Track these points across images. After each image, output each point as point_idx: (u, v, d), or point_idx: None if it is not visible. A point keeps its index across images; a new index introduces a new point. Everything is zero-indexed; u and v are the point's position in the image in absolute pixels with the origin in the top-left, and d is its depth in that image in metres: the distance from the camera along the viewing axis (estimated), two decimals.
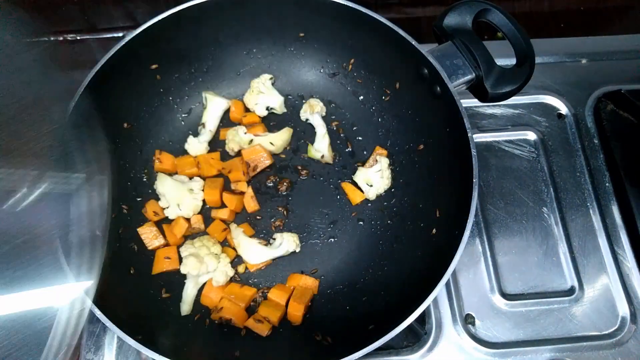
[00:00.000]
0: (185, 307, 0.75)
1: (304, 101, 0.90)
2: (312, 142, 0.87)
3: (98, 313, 0.59)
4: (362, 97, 0.89)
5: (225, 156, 0.87)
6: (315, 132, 0.87)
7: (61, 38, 1.12)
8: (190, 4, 0.76)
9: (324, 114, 0.88)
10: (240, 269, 0.80)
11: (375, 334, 0.60)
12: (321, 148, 0.86)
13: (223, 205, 0.83)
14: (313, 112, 0.86)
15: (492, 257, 0.85)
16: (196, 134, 0.88)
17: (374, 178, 0.83)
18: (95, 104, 0.72)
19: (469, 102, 0.92)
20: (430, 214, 0.76)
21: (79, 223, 0.54)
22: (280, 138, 0.86)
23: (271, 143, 0.85)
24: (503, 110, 0.96)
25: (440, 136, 0.76)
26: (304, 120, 0.89)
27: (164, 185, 0.80)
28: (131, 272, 0.75)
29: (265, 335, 0.72)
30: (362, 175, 0.84)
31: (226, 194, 0.83)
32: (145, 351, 0.58)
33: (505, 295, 0.82)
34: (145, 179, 0.84)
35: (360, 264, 0.80)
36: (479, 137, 0.94)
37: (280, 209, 0.84)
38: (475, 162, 0.66)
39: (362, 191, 0.84)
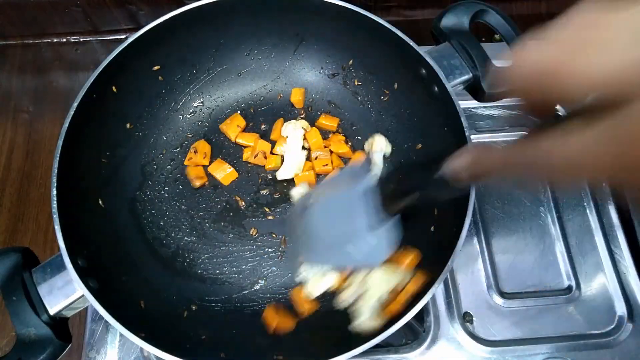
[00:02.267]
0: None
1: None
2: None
3: (102, 311, 0.59)
4: (361, 97, 0.90)
5: None
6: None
7: (64, 40, 1.13)
8: (191, 6, 0.77)
9: (387, 154, 0.85)
10: None
11: (373, 332, 0.61)
12: None
13: None
14: (374, 150, 0.85)
15: (489, 256, 0.86)
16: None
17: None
18: (98, 104, 0.74)
19: (466, 104, 0.93)
20: (429, 212, 0.77)
21: None
22: None
23: None
24: (500, 111, 0.97)
25: (439, 136, 0.76)
26: (366, 153, 0.87)
27: None
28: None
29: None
30: None
31: None
32: (149, 348, 0.59)
33: (502, 294, 0.83)
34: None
35: None
36: (477, 138, 0.95)
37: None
38: None
39: None
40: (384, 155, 0.86)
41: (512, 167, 0.33)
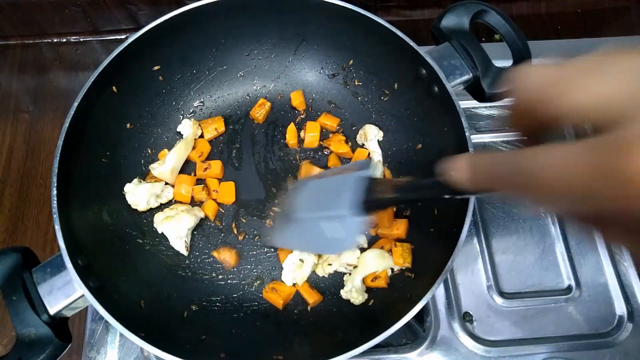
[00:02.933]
0: None
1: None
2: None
3: (102, 311, 0.59)
4: (361, 98, 0.90)
5: None
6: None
7: (64, 40, 1.13)
8: (191, 6, 0.76)
9: (380, 139, 0.87)
10: None
11: (373, 332, 0.61)
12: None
13: None
14: (367, 139, 0.86)
15: (489, 256, 0.86)
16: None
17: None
18: (98, 104, 0.74)
19: (466, 104, 0.93)
20: (429, 212, 0.77)
21: None
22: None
23: None
24: (500, 111, 0.97)
25: (439, 136, 0.76)
26: (360, 145, 0.88)
27: None
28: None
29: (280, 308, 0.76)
30: None
31: None
32: (149, 348, 0.59)
33: (502, 294, 0.83)
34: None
35: None
36: (477, 138, 0.95)
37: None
38: None
39: None
40: (378, 141, 0.87)
41: (504, 174, 0.33)
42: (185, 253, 0.80)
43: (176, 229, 0.77)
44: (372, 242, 0.81)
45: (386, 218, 0.80)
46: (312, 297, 0.77)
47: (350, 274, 0.78)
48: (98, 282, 0.64)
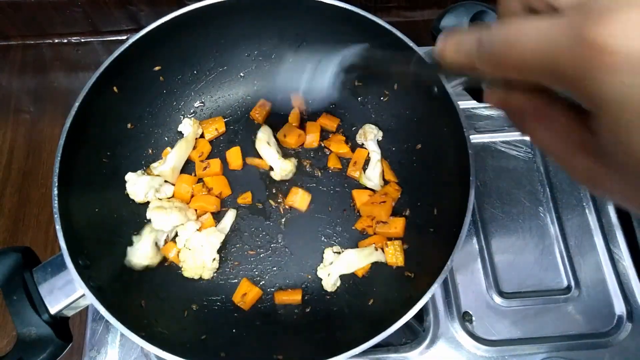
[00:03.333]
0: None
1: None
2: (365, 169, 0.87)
3: (102, 310, 0.60)
4: (361, 98, 0.90)
5: None
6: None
7: (65, 40, 1.13)
8: (192, 7, 0.77)
9: (380, 138, 0.88)
10: None
11: (372, 331, 0.61)
12: (373, 176, 0.85)
13: None
14: (367, 139, 0.86)
15: (489, 256, 0.86)
16: None
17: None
18: (99, 104, 0.74)
19: (466, 104, 0.93)
20: (428, 212, 0.77)
21: None
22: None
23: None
24: (500, 111, 0.97)
25: (438, 136, 0.76)
26: (360, 144, 0.89)
27: None
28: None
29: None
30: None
31: None
32: (149, 347, 0.59)
33: (502, 294, 0.83)
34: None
35: None
36: (476, 138, 0.95)
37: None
38: (472, 161, 0.67)
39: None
40: (378, 141, 0.87)
41: (483, 50, 0.33)
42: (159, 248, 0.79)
43: (162, 221, 0.77)
44: (362, 238, 0.82)
45: (384, 215, 0.80)
46: (293, 296, 0.77)
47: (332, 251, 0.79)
48: (99, 282, 0.64)
